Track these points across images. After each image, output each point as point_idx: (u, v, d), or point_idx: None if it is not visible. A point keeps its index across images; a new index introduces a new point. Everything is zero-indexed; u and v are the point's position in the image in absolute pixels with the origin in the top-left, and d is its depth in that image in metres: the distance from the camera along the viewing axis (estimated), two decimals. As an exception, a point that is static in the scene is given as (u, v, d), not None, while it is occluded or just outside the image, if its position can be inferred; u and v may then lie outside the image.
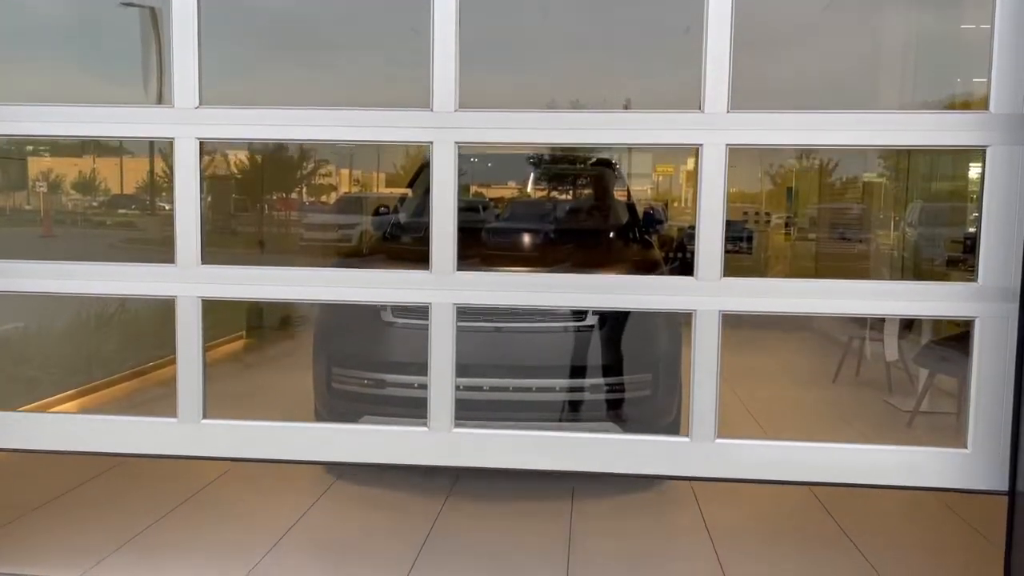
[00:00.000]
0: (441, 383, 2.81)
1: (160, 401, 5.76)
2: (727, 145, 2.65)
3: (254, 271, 2.92)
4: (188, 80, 2.77)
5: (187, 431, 2.89)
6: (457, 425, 2.80)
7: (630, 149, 13.25)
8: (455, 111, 2.71)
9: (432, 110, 2.72)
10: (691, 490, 4.15)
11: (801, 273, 13.92)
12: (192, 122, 2.79)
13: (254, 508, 3.83)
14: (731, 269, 8.68)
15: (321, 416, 4.38)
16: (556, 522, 3.71)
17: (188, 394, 2.89)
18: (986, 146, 2.55)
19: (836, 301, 2.74)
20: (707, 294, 2.68)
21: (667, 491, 4.16)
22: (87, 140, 3.00)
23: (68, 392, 5.65)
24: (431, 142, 2.72)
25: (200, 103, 2.79)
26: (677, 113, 2.70)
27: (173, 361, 3.01)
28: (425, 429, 2.81)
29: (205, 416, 2.91)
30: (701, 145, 2.66)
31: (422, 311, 4.03)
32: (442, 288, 2.77)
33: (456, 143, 2.71)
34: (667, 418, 4.17)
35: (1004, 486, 2.63)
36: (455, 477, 4.26)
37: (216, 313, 7.60)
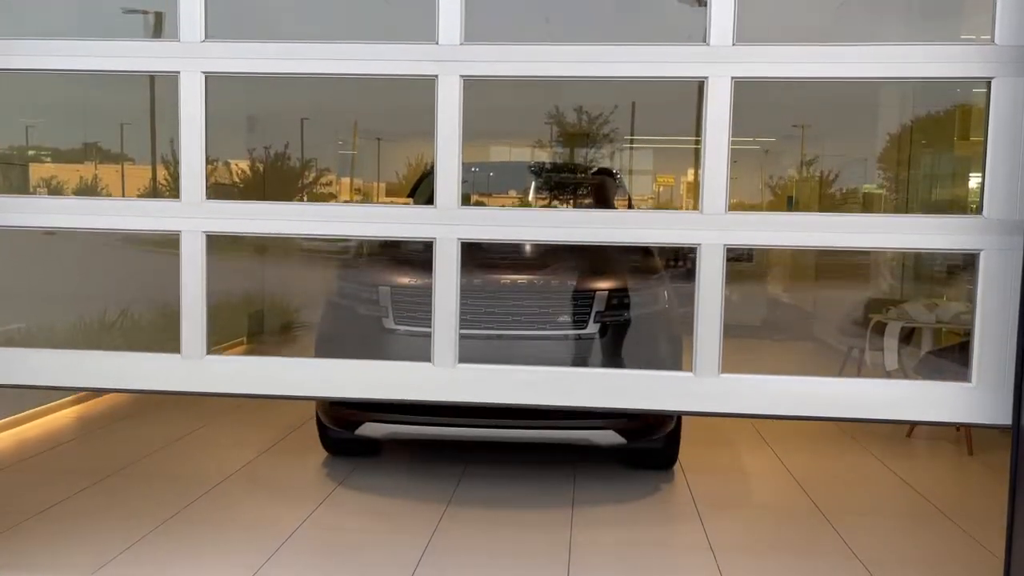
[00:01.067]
0: (445, 321, 2.79)
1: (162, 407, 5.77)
2: (732, 78, 2.61)
3: (258, 206, 2.88)
4: (194, 14, 2.74)
5: (190, 367, 2.85)
6: (461, 362, 2.78)
7: (631, 152, 13.30)
8: (461, 44, 2.67)
9: (437, 43, 2.68)
10: (691, 499, 4.15)
11: (801, 280, 13.94)
12: (198, 56, 2.74)
13: (255, 514, 3.83)
14: (731, 275, 8.63)
15: (323, 422, 4.38)
16: (557, 531, 3.70)
17: (192, 330, 2.85)
18: (991, 78, 2.53)
19: (840, 235, 2.69)
20: (712, 228, 2.65)
21: (667, 499, 4.16)
22: (90, 73, 2.94)
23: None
24: (436, 75, 2.68)
25: (205, 37, 2.76)
26: (682, 46, 2.66)
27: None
28: (429, 365, 2.78)
29: (208, 352, 2.88)
30: (706, 78, 2.62)
31: (424, 318, 4.05)
32: (446, 223, 2.74)
33: (462, 76, 2.67)
34: (667, 426, 4.18)
35: (1008, 420, 2.60)
36: (456, 481, 4.27)
37: (217, 319, 7.56)
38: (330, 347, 4.23)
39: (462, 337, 4.00)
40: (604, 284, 4.10)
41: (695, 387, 2.73)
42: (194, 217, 2.81)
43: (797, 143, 12.92)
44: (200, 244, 2.82)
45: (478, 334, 3.99)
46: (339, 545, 3.54)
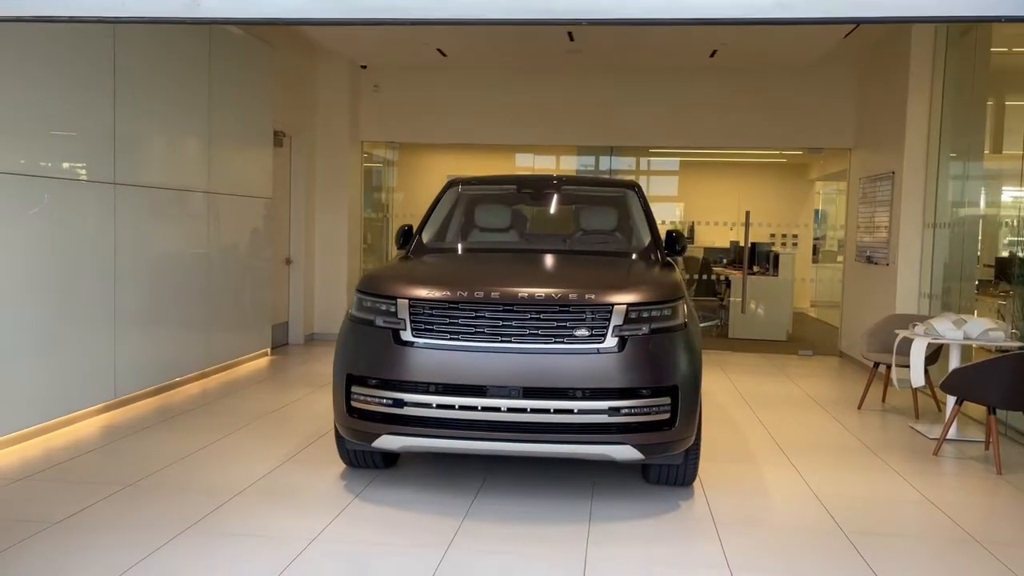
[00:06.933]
0: None
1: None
2: None
3: None
4: None
5: None
6: None
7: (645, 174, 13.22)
8: None
9: None
10: (711, 516, 4.10)
11: (825, 293, 13.78)
12: None
13: (272, 526, 3.83)
14: (754, 288, 8.71)
15: (341, 436, 4.39)
16: (572, 546, 3.67)
17: None
18: None
19: None
20: None
21: (686, 516, 4.11)
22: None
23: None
24: None
25: None
26: None
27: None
28: None
29: None
30: None
31: (440, 331, 4.05)
32: None
33: None
34: (686, 442, 4.14)
35: None
36: (474, 494, 4.25)
37: (240, 331, 7.59)
38: (349, 359, 4.24)
39: (477, 350, 3.99)
40: (623, 298, 4.07)
41: None
42: None
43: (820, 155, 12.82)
44: None
45: (493, 347, 3.98)
46: (354, 558, 3.53)
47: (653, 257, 5.22)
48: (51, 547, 3.50)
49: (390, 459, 4.71)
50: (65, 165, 5.42)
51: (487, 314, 4.05)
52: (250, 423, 5.73)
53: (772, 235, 13.88)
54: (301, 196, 9.63)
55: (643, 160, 13.65)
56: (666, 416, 4.03)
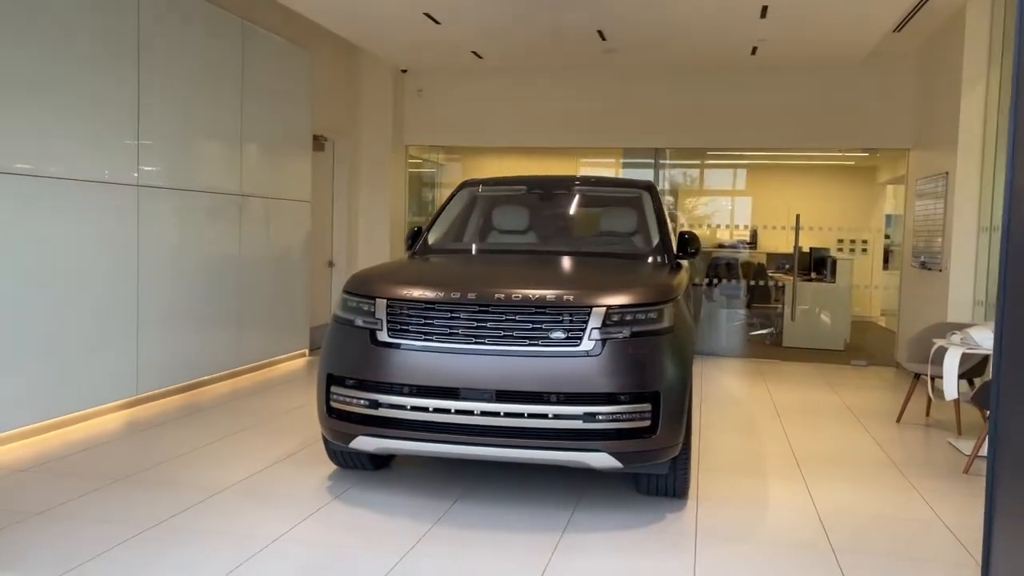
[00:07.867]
0: None
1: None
2: None
3: None
4: None
5: None
6: None
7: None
8: None
9: None
10: (694, 530, 3.90)
11: (895, 301, 13.15)
12: None
13: (240, 525, 3.83)
14: (810, 296, 8.30)
15: (325, 437, 4.37)
16: (535, 555, 3.54)
17: None
18: None
19: None
20: None
21: (668, 529, 3.93)
22: None
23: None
24: None
25: None
26: None
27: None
28: None
29: None
30: None
31: (416, 332, 3.99)
32: None
33: None
34: (670, 451, 3.95)
35: None
36: (454, 499, 4.17)
37: (276, 332, 7.64)
38: (331, 359, 4.22)
39: (452, 352, 3.92)
40: (603, 300, 3.93)
41: None
42: None
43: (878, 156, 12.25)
44: None
45: (468, 349, 3.89)
46: (307, 559, 3.48)
47: (660, 259, 5.04)
48: (20, 537, 3.58)
49: (380, 461, 4.68)
50: (90, 167, 5.58)
51: (462, 315, 3.97)
52: (263, 422, 5.79)
53: (840, 240, 13.35)
54: (344, 200, 9.75)
55: (697, 163, 13.33)
56: (646, 423, 3.85)
